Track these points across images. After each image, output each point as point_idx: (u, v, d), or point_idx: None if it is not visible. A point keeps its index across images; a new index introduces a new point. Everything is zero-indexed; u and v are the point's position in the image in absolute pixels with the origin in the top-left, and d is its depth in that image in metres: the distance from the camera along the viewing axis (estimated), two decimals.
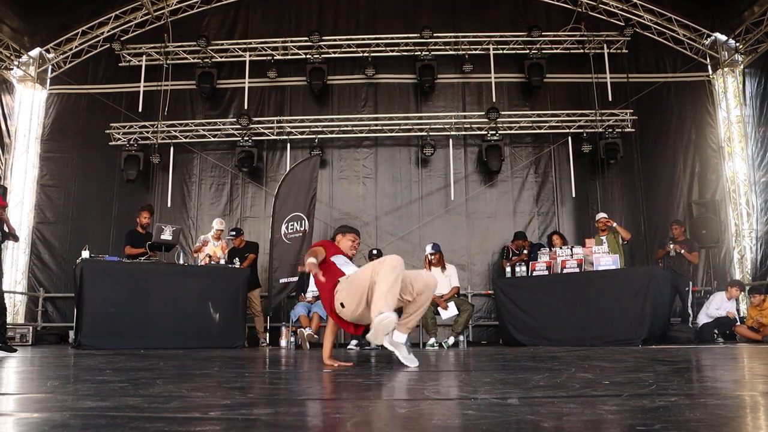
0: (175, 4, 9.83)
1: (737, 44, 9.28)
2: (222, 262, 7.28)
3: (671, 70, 9.69)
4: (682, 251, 7.69)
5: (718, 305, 7.43)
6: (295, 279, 7.56)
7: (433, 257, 7.15)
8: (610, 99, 9.34)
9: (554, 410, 1.55)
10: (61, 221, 9.44)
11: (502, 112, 9.29)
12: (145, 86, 9.54)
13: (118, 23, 9.74)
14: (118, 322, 6.12)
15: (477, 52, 9.58)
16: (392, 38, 9.60)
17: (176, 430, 1.28)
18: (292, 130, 9.47)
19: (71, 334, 6.85)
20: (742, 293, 7.89)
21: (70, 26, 9.66)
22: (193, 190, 9.54)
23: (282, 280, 7.72)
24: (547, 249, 7.41)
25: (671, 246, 7.66)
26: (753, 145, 9.00)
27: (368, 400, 1.95)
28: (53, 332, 8.50)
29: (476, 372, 2.98)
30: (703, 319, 7.44)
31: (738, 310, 7.76)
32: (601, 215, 7.87)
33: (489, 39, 9.56)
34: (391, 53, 9.65)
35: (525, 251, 8.17)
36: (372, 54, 9.52)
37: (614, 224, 7.69)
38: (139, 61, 9.67)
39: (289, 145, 9.51)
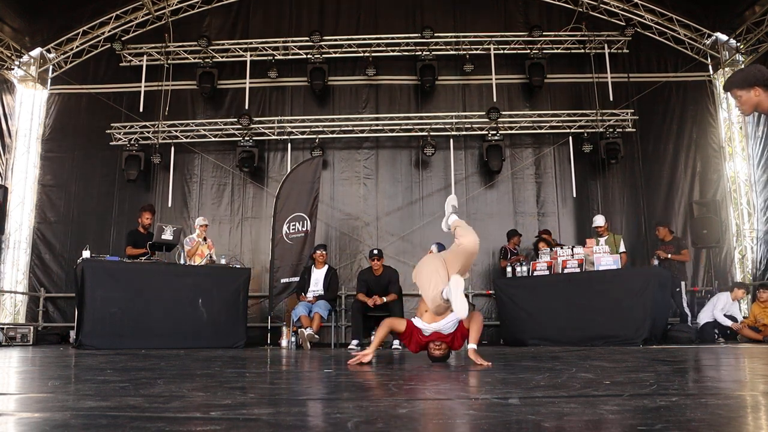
0: (176, 4, 9.82)
1: (738, 44, 9.27)
2: (223, 261, 7.27)
3: (672, 70, 9.68)
4: (669, 255, 7.62)
5: (724, 306, 7.38)
6: (296, 279, 7.56)
7: None
8: (610, 99, 9.32)
9: (555, 410, 1.55)
10: (61, 221, 9.43)
11: (503, 112, 9.26)
12: (145, 86, 9.54)
13: (118, 23, 9.73)
14: (118, 322, 6.12)
15: (478, 51, 9.57)
16: (393, 38, 9.59)
17: (177, 429, 1.28)
18: (293, 131, 9.47)
19: (72, 334, 6.85)
20: (748, 295, 7.85)
21: (71, 26, 9.66)
22: (194, 191, 9.53)
23: (283, 280, 7.73)
24: (548, 249, 7.41)
25: (655, 261, 7.37)
26: (754, 145, 8.99)
27: (368, 400, 1.95)
28: (54, 332, 8.49)
29: (477, 372, 2.98)
30: (705, 318, 7.40)
31: (740, 310, 7.74)
32: (599, 221, 7.83)
33: (490, 39, 9.55)
34: (391, 53, 9.64)
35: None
36: (373, 54, 9.51)
37: (621, 250, 7.44)
38: (139, 61, 9.67)
39: (290, 145, 9.51)
